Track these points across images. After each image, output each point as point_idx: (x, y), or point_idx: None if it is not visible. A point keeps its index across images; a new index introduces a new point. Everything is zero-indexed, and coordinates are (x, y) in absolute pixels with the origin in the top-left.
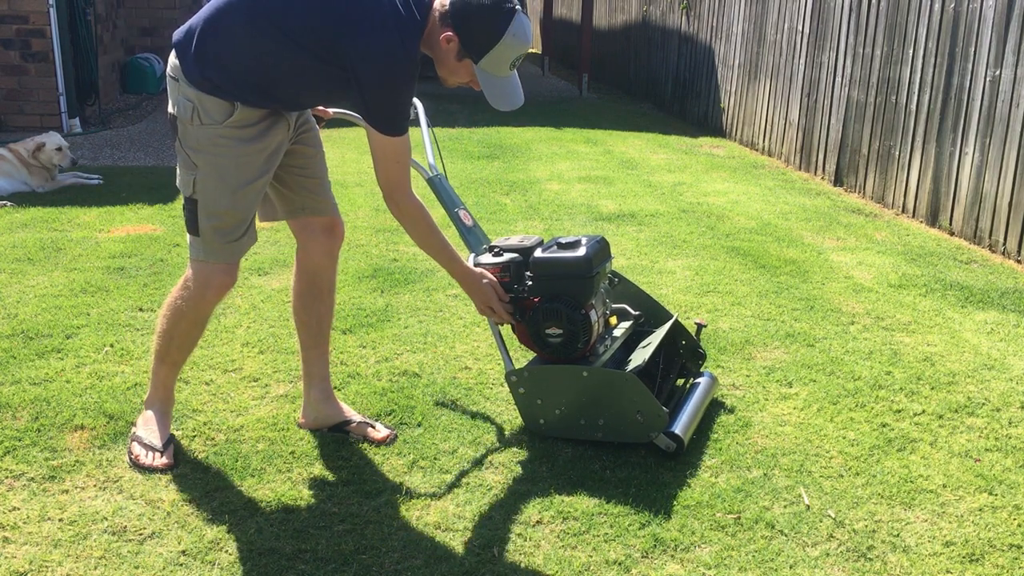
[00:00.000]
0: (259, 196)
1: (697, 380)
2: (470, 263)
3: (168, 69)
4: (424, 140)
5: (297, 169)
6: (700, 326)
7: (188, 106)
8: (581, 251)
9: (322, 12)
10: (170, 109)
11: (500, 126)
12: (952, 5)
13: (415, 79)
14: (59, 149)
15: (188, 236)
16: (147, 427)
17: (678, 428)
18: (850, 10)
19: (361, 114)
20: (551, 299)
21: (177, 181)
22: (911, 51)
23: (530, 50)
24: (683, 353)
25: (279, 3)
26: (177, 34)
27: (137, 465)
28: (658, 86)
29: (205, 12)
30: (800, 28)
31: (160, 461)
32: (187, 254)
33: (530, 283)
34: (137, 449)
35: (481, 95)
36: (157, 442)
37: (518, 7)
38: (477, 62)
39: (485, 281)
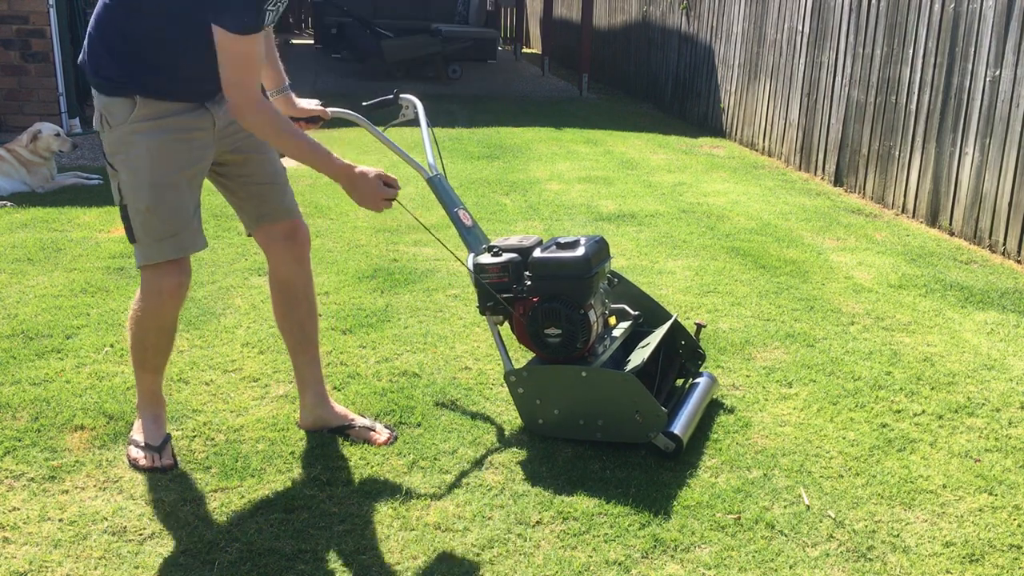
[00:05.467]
0: (185, 191)
1: (696, 380)
2: (469, 263)
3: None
4: (424, 140)
5: (245, 178)
6: (700, 326)
7: (97, 116)
8: (580, 251)
9: None
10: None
11: (500, 126)
12: (952, 5)
13: None
14: (57, 135)
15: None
16: (142, 432)
17: (677, 428)
18: (850, 10)
19: (209, 18)
20: (550, 299)
21: None
22: (911, 51)
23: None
24: (682, 353)
25: None
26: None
27: (137, 468)
28: (658, 86)
29: (92, 20)
30: (800, 28)
31: (159, 463)
32: None
33: (529, 283)
34: (135, 453)
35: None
36: (155, 444)
37: None
38: None
39: (366, 175)
